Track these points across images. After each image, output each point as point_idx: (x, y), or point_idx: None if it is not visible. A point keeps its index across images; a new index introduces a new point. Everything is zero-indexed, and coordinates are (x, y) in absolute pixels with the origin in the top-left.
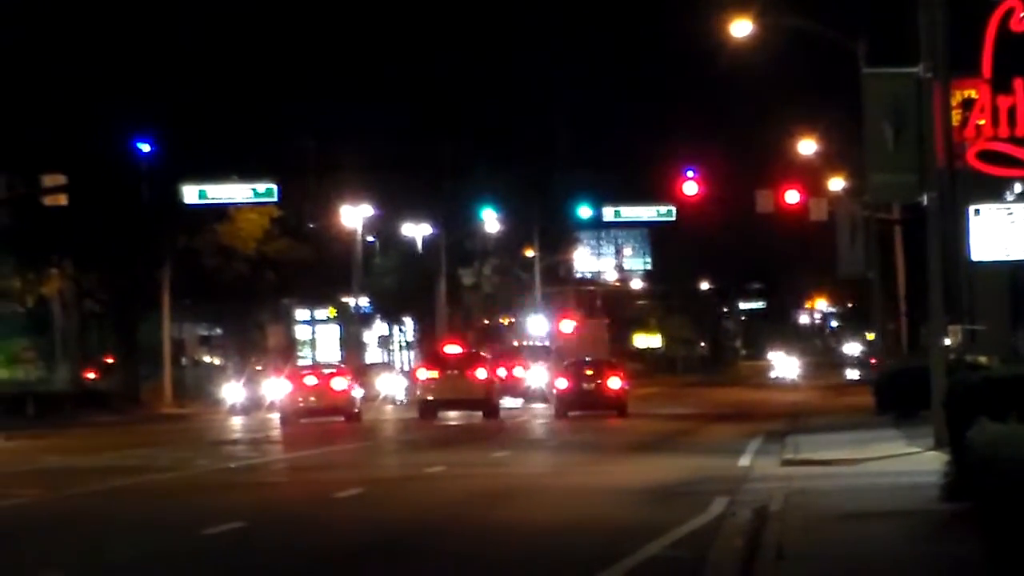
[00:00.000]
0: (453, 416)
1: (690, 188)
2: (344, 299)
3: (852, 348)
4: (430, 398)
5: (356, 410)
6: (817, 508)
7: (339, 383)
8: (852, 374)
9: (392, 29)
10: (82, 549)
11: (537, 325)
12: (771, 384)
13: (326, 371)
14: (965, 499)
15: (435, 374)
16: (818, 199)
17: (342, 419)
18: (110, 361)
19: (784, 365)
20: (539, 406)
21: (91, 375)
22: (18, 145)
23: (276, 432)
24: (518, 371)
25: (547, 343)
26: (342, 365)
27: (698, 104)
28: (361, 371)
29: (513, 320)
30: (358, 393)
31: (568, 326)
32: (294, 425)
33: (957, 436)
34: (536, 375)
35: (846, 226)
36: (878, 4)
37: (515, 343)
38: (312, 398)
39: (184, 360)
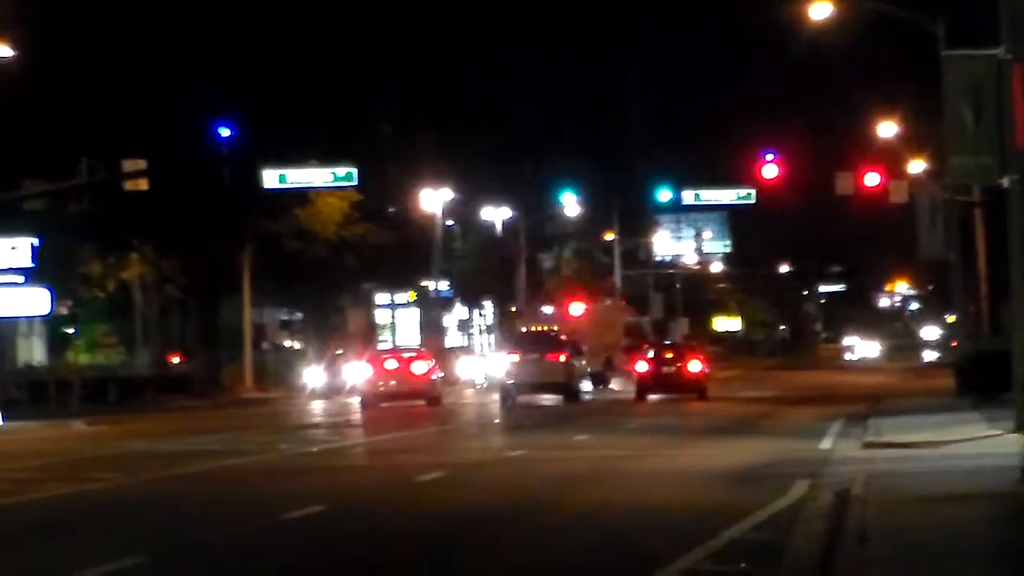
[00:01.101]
0: (535, 400)
1: (770, 171)
2: (424, 283)
3: (932, 331)
4: (511, 382)
5: (437, 394)
6: (898, 491)
7: (420, 367)
8: (932, 356)
9: (473, 12)
10: (164, 532)
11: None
12: (851, 367)
13: (407, 355)
14: None
15: (516, 358)
16: (898, 181)
17: (423, 403)
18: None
19: (863, 348)
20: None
21: (176, 359)
22: (99, 130)
23: (357, 416)
24: None
25: (555, 329)
26: (423, 349)
27: (778, 87)
28: (441, 355)
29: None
30: (439, 377)
31: (577, 309)
32: (375, 409)
33: None
34: None
35: (926, 208)
36: None
37: (523, 329)
38: (393, 382)
39: (265, 344)
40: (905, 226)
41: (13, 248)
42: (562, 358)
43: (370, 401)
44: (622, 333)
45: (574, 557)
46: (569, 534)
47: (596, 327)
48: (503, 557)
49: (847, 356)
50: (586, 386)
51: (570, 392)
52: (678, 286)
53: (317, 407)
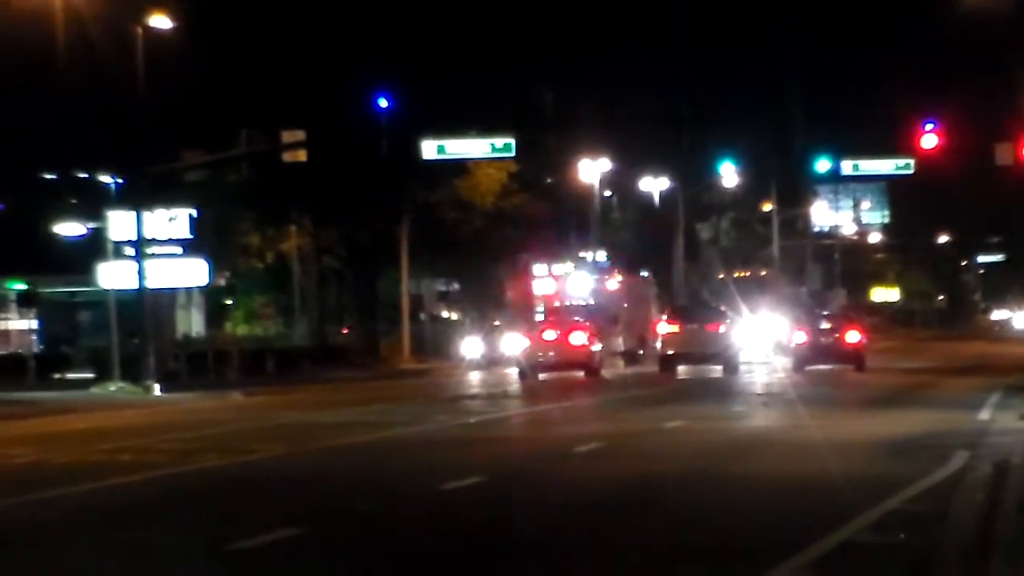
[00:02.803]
0: (694, 370)
1: (929, 141)
2: (582, 254)
3: None
4: (670, 352)
5: (596, 365)
6: None
7: (578, 338)
8: None
9: None
10: (322, 504)
11: (579, 283)
12: (1010, 337)
13: (566, 324)
14: None
15: (676, 328)
16: None
17: (582, 374)
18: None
19: (1021, 318)
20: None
21: (343, 331)
22: (258, 101)
23: (515, 387)
24: None
25: (590, 302)
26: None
27: (937, 56)
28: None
29: (747, 273)
30: (598, 348)
31: (614, 284)
32: (534, 380)
33: None
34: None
35: None
36: None
37: (557, 303)
38: (552, 353)
39: (422, 315)
40: None
41: (172, 219)
42: (721, 328)
43: (529, 372)
44: (651, 308)
45: (733, 527)
46: (727, 504)
47: (630, 302)
48: (661, 528)
49: (1013, 325)
50: (743, 357)
51: (728, 363)
52: (836, 257)
53: (474, 378)
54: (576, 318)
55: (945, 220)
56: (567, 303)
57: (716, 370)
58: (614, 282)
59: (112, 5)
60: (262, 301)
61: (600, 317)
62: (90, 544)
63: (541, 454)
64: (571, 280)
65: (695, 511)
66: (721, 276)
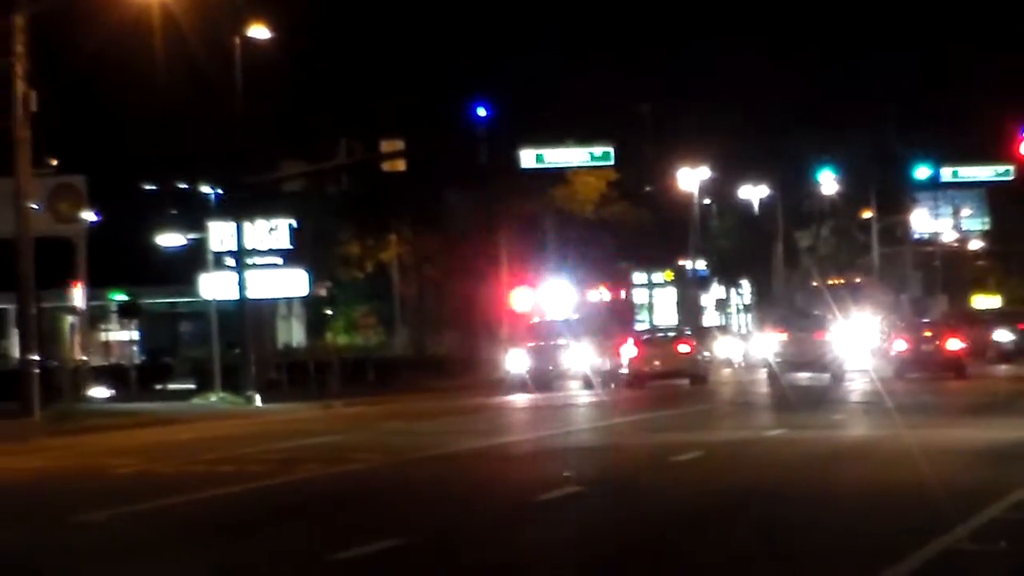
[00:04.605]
0: (800, 379)
1: None
2: (681, 262)
3: None
4: (777, 361)
5: (702, 373)
6: None
7: (684, 346)
8: None
9: None
10: (420, 513)
11: (559, 297)
12: None
13: (671, 334)
14: None
15: (785, 336)
16: None
17: (687, 382)
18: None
19: None
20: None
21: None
22: (357, 111)
23: (613, 396)
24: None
25: (575, 316)
26: (687, 329)
27: None
28: (699, 334)
29: (841, 281)
30: (703, 356)
31: (597, 297)
32: (638, 388)
33: None
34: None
35: None
36: None
37: (537, 318)
38: (657, 361)
39: None
40: None
41: (272, 230)
42: (827, 336)
43: (634, 380)
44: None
45: (834, 535)
46: (828, 513)
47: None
48: (762, 536)
49: None
50: (848, 366)
51: (834, 371)
52: (936, 264)
53: (575, 387)
54: (558, 333)
55: None
56: (546, 318)
57: (822, 378)
58: (597, 295)
59: (211, 17)
60: (362, 311)
61: (591, 331)
62: (190, 555)
63: (639, 463)
64: (550, 293)
65: (796, 520)
66: (815, 283)
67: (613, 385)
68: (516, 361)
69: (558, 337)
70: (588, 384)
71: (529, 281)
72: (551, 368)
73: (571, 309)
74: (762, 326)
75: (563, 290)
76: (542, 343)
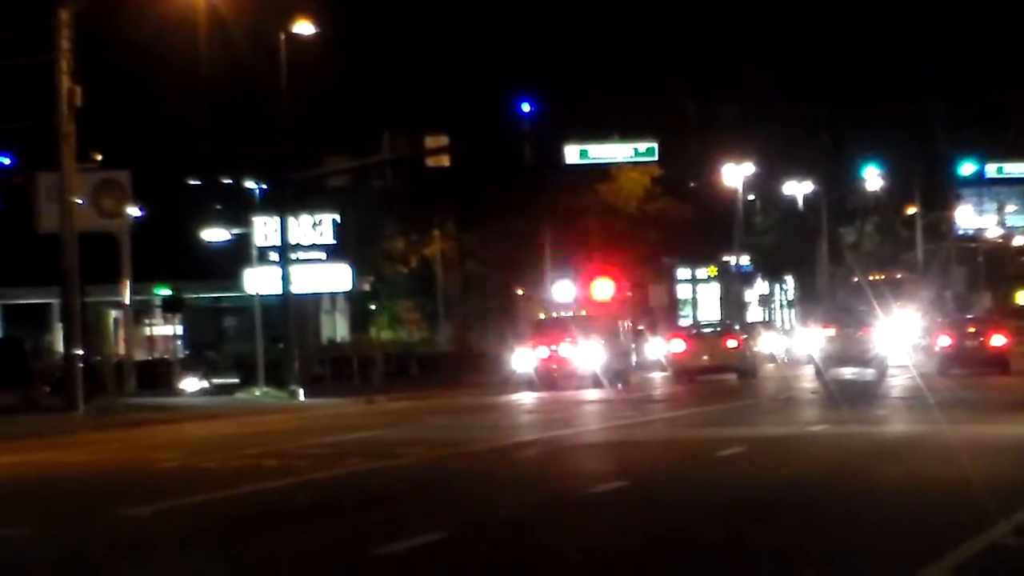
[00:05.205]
0: (846, 375)
1: None
2: (725, 258)
3: None
4: (822, 356)
5: (750, 367)
6: None
7: (732, 341)
8: None
9: None
10: (464, 507)
11: (562, 291)
12: None
13: (717, 329)
14: None
15: (832, 332)
16: None
17: (734, 377)
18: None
19: None
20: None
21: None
22: (401, 106)
23: (657, 391)
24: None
25: (581, 312)
26: (735, 324)
27: None
28: (744, 330)
29: (882, 277)
30: (751, 351)
31: (604, 292)
32: (685, 383)
33: None
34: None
35: None
36: None
37: (541, 315)
38: (705, 356)
39: None
40: None
41: (316, 224)
42: (871, 332)
43: (682, 375)
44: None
45: (878, 530)
46: (872, 508)
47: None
48: (805, 531)
49: None
50: (891, 362)
51: (877, 368)
52: (980, 260)
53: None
54: (567, 331)
55: None
56: (553, 314)
57: (865, 373)
58: (603, 289)
59: (256, 12)
60: (406, 306)
61: (600, 328)
62: (236, 549)
63: (684, 458)
64: (556, 289)
65: (839, 515)
66: (856, 279)
67: (620, 385)
68: (523, 359)
69: (566, 335)
70: (597, 383)
71: (573, 276)
72: (555, 367)
73: (579, 306)
74: (806, 322)
75: (605, 286)
76: (549, 342)
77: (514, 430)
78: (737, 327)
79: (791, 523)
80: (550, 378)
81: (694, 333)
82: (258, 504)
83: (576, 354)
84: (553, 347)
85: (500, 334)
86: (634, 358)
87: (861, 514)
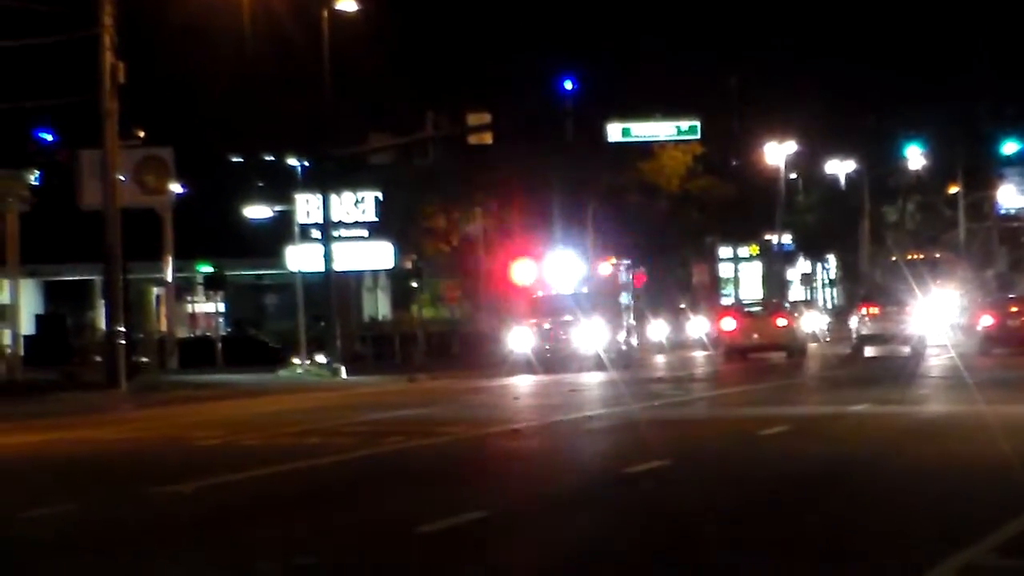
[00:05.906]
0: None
1: None
2: (767, 236)
3: None
4: (864, 335)
5: (800, 346)
6: None
7: (782, 319)
8: None
9: None
10: (504, 486)
11: (566, 269)
12: None
13: (764, 308)
14: None
15: (872, 310)
16: None
17: (783, 355)
18: None
19: None
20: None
21: None
22: (444, 84)
23: (701, 370)
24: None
25: (583, 291)
26: (780, 302)
27: None
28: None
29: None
30: (799, 330)
31: (607, 269)
32: (733, 362)
33: None
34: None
35: None
36: None
37: (538, 293)
38: (755, 334)
39: None
40: None
41: (358, 202)
42: (912, 312)
43: (730, 354)
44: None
45: (922, 509)
46: (915, 487)
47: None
48: (850, 511)
49: None
50: (930, 341)
51: (916, 347)
52: (1023, 240)
53: (660, 361)
54: (565, 308)
55: None
56: (551, 292)
57: (904, 351)
58: (608, 268)
59: None
60: (448, 284)
61: (604, 306)
62: (279, 526)
63: (726, 438)
64: (556, 265)
65: (882, 494)
66: (894, 258)
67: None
68: (519, 338)
69: (562, 313)
70: (600, 365)
71: (613, 255)
72: (548, 346)
73: (580, 283)
74: (849, 300)
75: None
76: (544, 320)
77: (556, 409)
78: (787, 305)
79: (835, 502)
80: (547, 361)
81: (744, 312)
82: (301, 482)
83: (576, 333)
84: (547, 326)
85: None
86: (635, 339)
87: (902, 493)
